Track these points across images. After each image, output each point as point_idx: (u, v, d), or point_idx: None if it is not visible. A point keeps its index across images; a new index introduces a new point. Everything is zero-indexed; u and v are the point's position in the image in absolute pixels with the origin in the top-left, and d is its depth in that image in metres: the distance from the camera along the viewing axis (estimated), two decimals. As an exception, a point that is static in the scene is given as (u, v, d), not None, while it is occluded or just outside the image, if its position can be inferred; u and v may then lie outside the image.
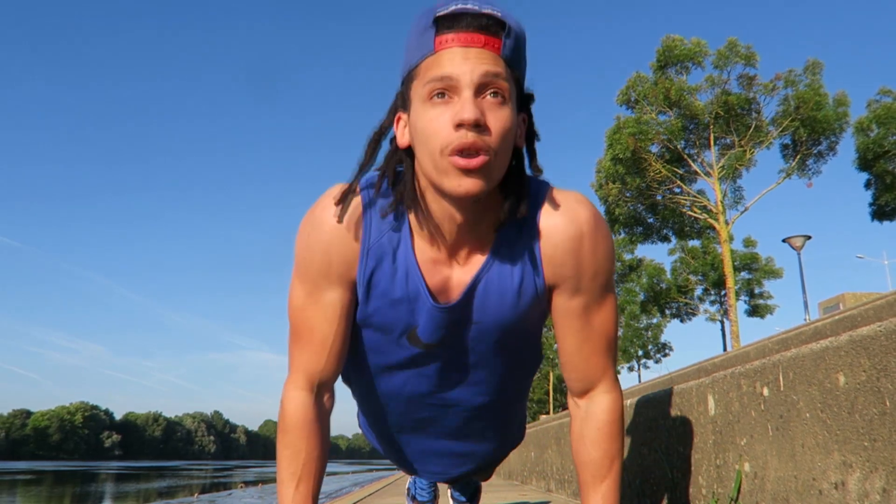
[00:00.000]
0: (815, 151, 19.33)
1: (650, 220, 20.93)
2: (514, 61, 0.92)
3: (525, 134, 0.99)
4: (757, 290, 27.90)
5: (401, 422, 1.24)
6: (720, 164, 19.19)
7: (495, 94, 0.89)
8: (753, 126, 19.07)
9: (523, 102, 0.98)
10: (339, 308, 1.05)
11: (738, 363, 1.45)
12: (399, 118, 0.98)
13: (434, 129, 0.88)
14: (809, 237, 18.17)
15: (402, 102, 0.97)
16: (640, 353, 34.32)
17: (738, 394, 1.40)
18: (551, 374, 39.09)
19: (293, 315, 1.07)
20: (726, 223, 19.22)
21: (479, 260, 1.02)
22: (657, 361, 35.03)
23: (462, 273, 1.03)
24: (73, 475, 34.13)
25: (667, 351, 34.75)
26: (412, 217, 1.01)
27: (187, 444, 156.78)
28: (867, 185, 21.20)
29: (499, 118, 0.89)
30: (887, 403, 0.97)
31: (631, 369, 36.29)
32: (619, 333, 34.32)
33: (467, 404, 1.19)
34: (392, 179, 1.00)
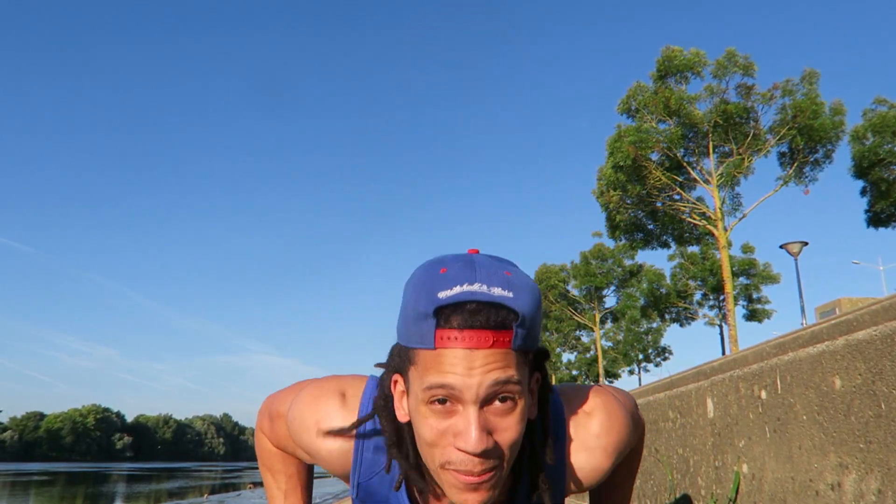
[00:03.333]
0: (811, 159, 19.38)
1: (650, 227, 20.95)
2: (528, 344, 0.79)
3: (537, 395, 0.88)
4: (755, 296, 27.92)
5: None
6: (719, 172, 19.23)
7: (504, 398, 0.77)
8: (751, 134, 19.12)
9: (537, 360, 0.86)
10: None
11: (736, 366, 1.48)
12: (396, 381, 0.87)
13: (434, 441, 0.79)
14: (806, 243, 18.21)
15: (399, 365, 0.85)
16: (641, 356, 34.27)
17: (736, 396, 1.42)
18: (553, 378, 38.82)
19: (263, 446, 1.08)
20: (725, 229, 19.24)
21: None
22: (657, 365, 35.02)
23: None
24: (86, 476, 34.17)
25: (666, 355, 34.74)
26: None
27: (197, 445, 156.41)
28: (863, 193, 21.26)
29: (508, 427, 0.78)
30: (882, 406, 0.99)
31: (631, 373, 36.24)
32: (620, 338, 34.08)
33: None
34: (391, 438, 0.89)
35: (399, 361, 0.85)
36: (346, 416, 0.93)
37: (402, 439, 0.89)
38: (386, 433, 0.89)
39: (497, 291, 0.76)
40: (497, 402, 0.77)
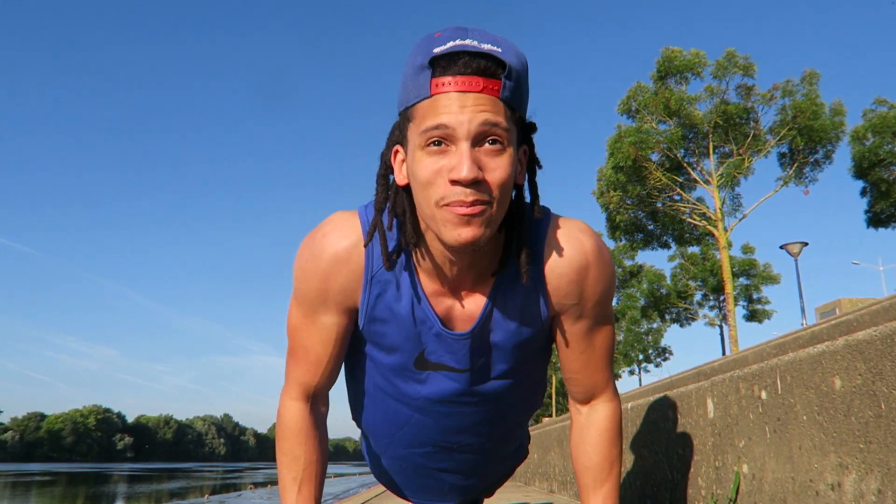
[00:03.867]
0: (811, 160, 19.39)
1: (650, 227, 20.97)
2: (515, 100, 0.87)
3: (526, 166, 0.96)
4: (755, 296, 27.93)
5: (402, 452, 1.21)
6: (719, 173, 19.24)
7: (494, 141, 0.85)
8: (752, 135, 19.13)
9: (524, 133, 0.94)
10: (335, 332, 1.06)
11: (736, 367, 1.48)
12: (396, 152, 0.95)
13: (430, 180, 0.85)
14: (806, 244, 18.22)
15: (399, 136, 0.93)
16: (641, 357, 34.29)
17: (736, 397, 1.42)
18: (553, 378, 38.97)
19: (290, 333, 1.09)
20: (725, 230, 19.25)
21: (484, 292, 1.01)
22: (657, 365, 35.04)
23: (468, 304, 1.02)
24: (87, 477, 34.25)
25: (667, 355, 34.76)
26: (414, 251, 0.99)
27: (198, 446, 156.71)
28: (863, 193, 21.27)
29: (497, 167, 0.85)
30: (882, 406, 1.00)
31: (632, 373, 36.25)
32: (620, 338, 34.11)
33: (473, 435, 1.16)
34: (392, 214, 0.97)
35: (398, 133, 0.93)
36: (348, 217, 1.01)
37: (395, 204, 0.96)
38: (378, 199, 0.96)
39: (487, 47, 0.84)
40: (487, 144, 0.85)
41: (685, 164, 19.53)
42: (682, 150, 19.52)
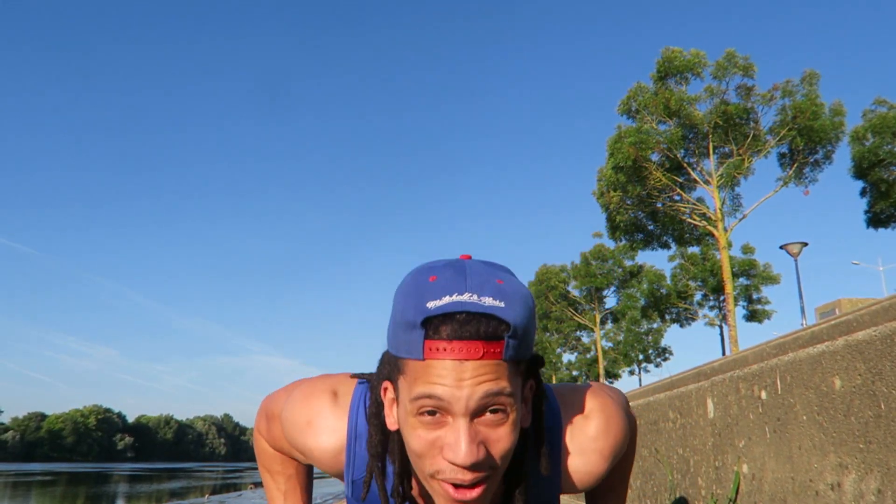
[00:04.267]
0: (811, 160, 19.40)
1: (650, 228, 20.97)
2: (520, 352, 0.77)
3: (531, 403, 0.85)
4: (755, 296, 27.94)
5: None
6: (719, 173, 19.25)
7: (496, 410, 0.75)
8: (751, 135, 19.14)
9: (531, 368, 0.83)
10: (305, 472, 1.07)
11: (736, 367, 1.48)
12: (386, 389, 0.85)
13: (424, 453, 0.77)
14: (806, 244, 18.22)
15: (388, 374, 0.84)
16: (641, 357, 34.31)
17: (736, 397, 1.42)
18: (554, 378, 38.96)
19: (261, 447, 1.07)
20: (725, 230, 19.26)
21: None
22: (657, 365, 35.05)
23: None
24: (88, 476, 34.34)
25: (667, 355, 34.77)
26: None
27: (198, 446, 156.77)
28: (862, 193, 21.28)
29: (500, 438, 0.76)
30: (882, 406, 1.00)
31: (632, 373, 36.27)
32: (620, 338, 33.99)
33: None
34: (377, 438, 0.88)
35: (389, 369, 0.83)
36: (337, 415, 0.93)
37: (388, 449, 0.87)
38: (372, 443, 0.88)
39: (488, 301, 0.74)
40: (488, 414, 0.75)
41: (685, 165, 19.54)
42: (682, 151, 19.53)
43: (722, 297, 26.75)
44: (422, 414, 0.75)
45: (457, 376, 0.73)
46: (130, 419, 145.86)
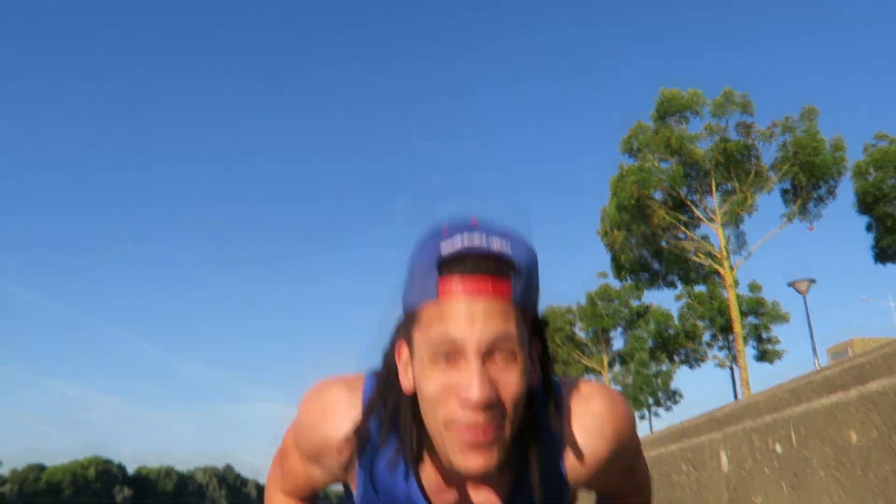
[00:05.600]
0: (814, 195, 19.50)
1: (656, 267, 20.96)
2: (526, 299, 0.83)
3: (538, 364, 0.89)
4: (765, 336, 27.62)
5: None
6: (722, 210, 19.32)
7: (505, 353, 0.80)
8: (753, 172, 19.28)
9: (536, 328, 0.88)
10: (322, 481, 1.04)
11: (748, 413, 1.45)
12: (400, 351, 0.89)
13: (438, 398, 0.80)
14: (814, 281, 18.11)
15: (404, 333, 0.88)
16: (651, 401, 33.73)
17: (750, 449, 1.39)
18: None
19: (282, 452, 1.07)
20: (731, 268, 19.21)
21: (498, 490, 0.93)
22: (668, 409, 34.40)
23: (478, 498, 0.93)
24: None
25: (677, 398, 34.16)
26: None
27: (199, 497, 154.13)
28: (868, 228, 21.27)
29: (510, 381, 0.80)
30: (900, 461, 0.96)
31: (642, 418, 35.57)
32: (629, 381, 33.53)
33: None
34: (390, 416, 0.90)
35: (403, 327, 0.88)
36: (352, 403, 0.95)
37: (401, 415, 0.89)
38: (385, 406, 0.90)
39: (496, 244, 0.81)
40: (498, 356, 0.80)
41: (688, 202, 19.64)
42: (685, 188, 19.67)
43: (731, 337, 26.47)
44: (437, 359, 0.80)
45: (469, 314, 0.79)
46: (130, 468, 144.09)
